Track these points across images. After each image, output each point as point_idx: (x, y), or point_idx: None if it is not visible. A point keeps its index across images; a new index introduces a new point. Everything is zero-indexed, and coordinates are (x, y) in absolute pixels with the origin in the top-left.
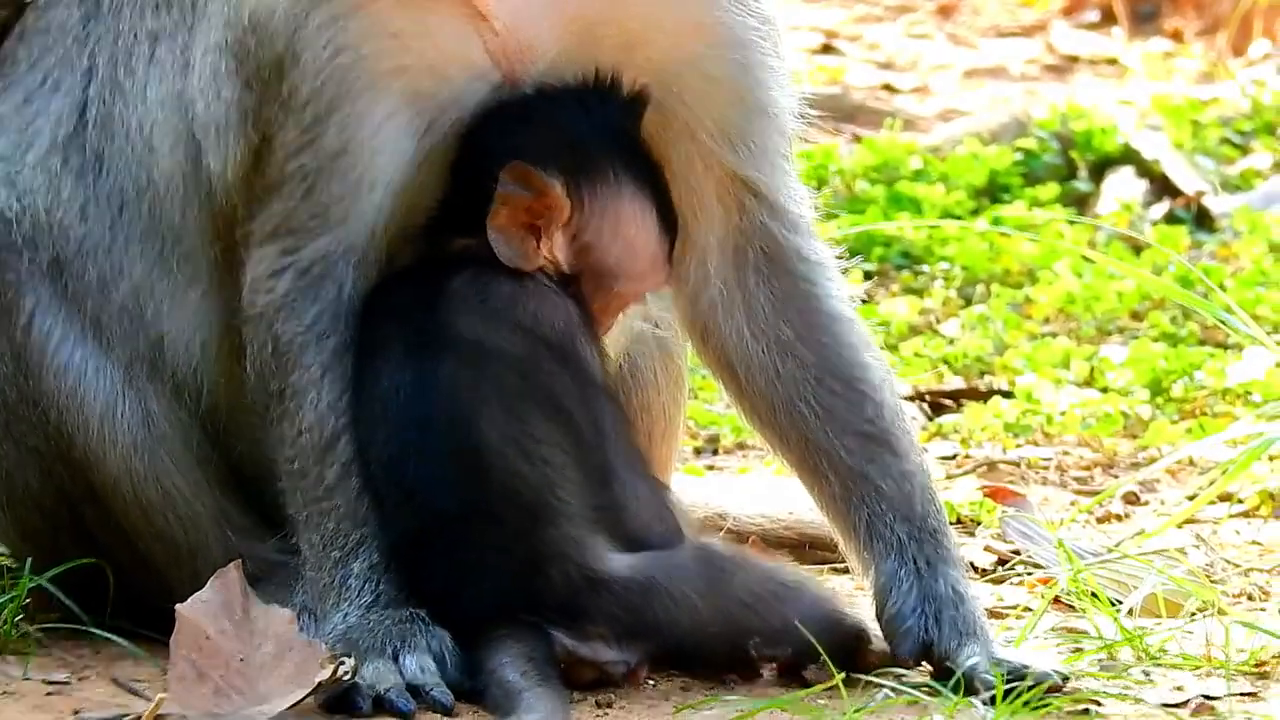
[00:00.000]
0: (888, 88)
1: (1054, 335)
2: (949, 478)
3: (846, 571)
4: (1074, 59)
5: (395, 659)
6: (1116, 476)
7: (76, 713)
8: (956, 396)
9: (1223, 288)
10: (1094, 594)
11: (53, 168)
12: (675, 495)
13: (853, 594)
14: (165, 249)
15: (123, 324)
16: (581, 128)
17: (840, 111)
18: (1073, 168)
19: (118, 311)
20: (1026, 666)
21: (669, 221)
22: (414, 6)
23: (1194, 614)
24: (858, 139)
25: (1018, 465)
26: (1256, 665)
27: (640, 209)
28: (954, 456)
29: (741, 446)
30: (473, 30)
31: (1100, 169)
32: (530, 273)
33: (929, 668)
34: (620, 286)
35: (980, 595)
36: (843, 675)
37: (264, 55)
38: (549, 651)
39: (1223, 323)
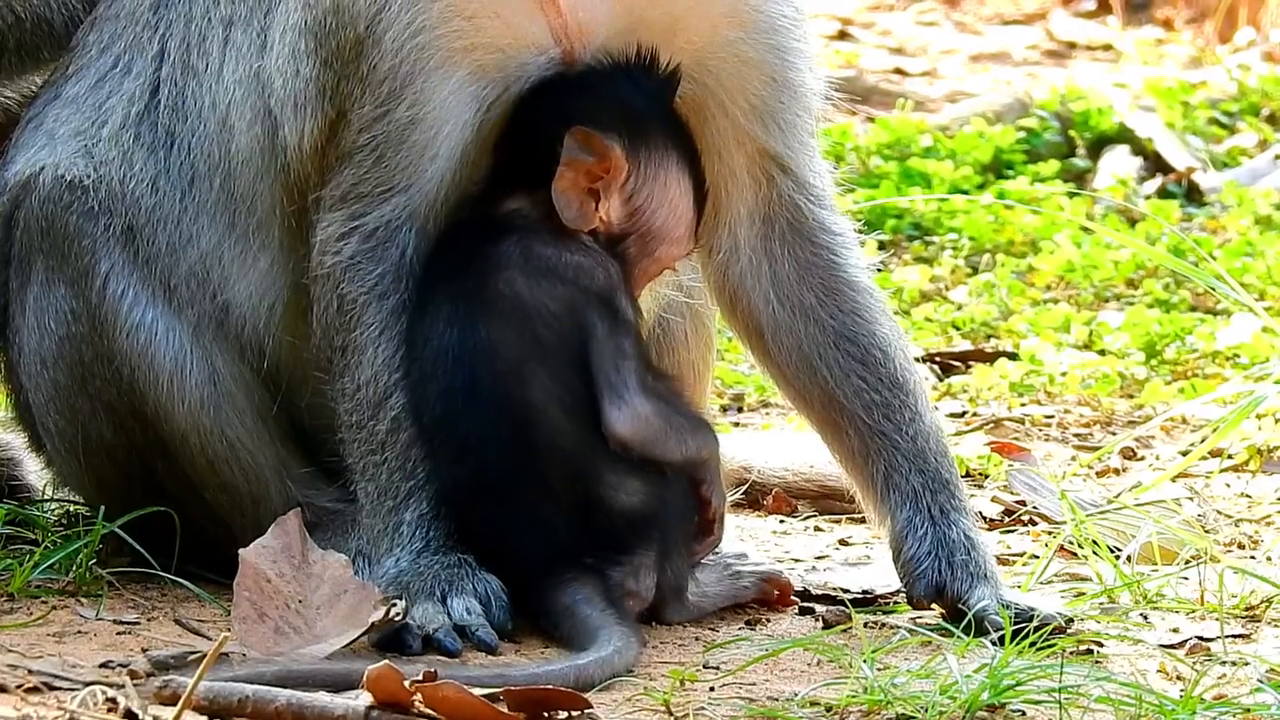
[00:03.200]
0: (899, 71)
1: (1055, 301)
2: (958, 434)
3: (863, 521)
4: (1072, 45)
5: (444, 601)
6: (1114, 433)
7: (145, 651)
8: (965, 358)
9: (1212, 257)
10: (1095, 542)
11: (125, 142)
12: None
13: (869, 542)
14: (238, 219)
15: (190, 287)
16: (632, 97)
17: (855, 93)
18: (1072, 146)
19: (186, 276)
20: (1033, 609)
21: (702, 192)
22: None
23: (1188, 561)
24: (872, 119)
25: (1022, 422)
26: (1247, 609)
27: (683, 176)
28: (963, 414)
29: (765, 405)
30: (539, 9)
31: (1097, 147)
32: (574, 235)
33: (941, 610)
34: (661, 250)
35: (989, 542)
36: (861, 617)
37: (345, 35)
38: (609, 590)
39: (1212, 290)
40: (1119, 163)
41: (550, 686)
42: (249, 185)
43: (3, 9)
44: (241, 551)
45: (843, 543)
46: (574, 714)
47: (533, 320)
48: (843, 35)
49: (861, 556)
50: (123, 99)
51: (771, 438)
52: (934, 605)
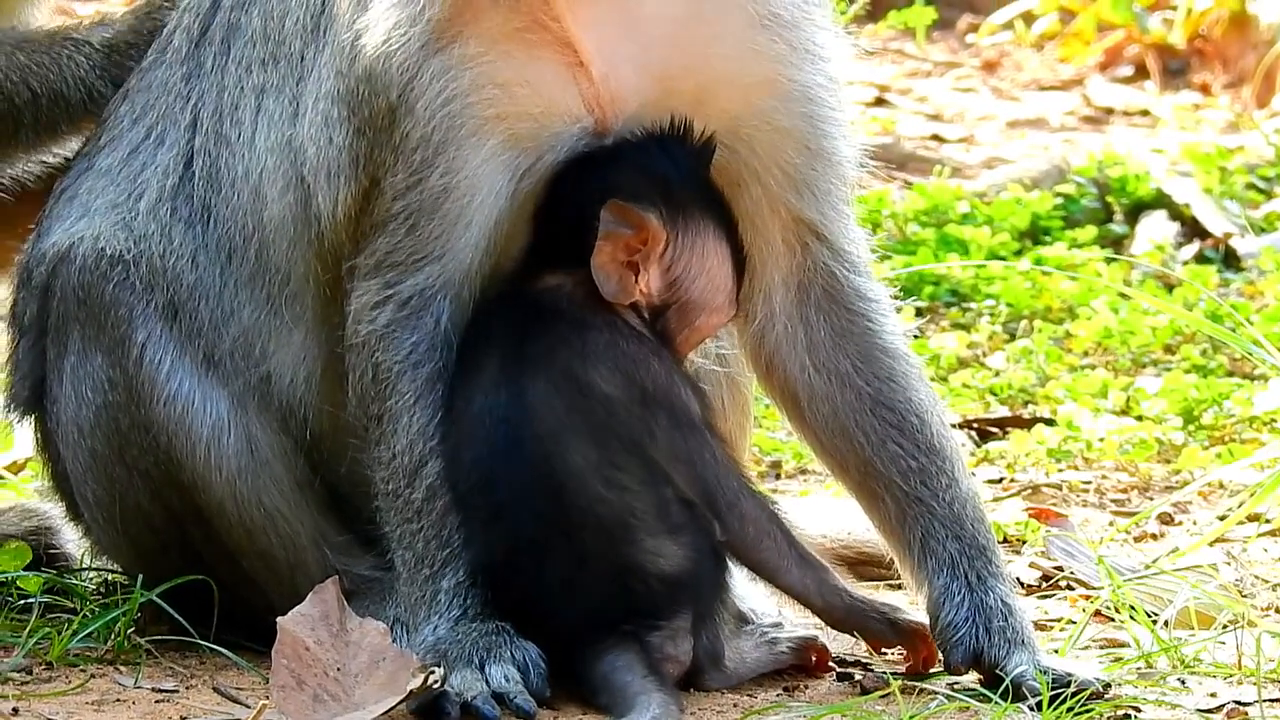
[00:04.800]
0: (936, 138)
1: (1092, 367)
2: (996, 500)
3: (900, 587)
4: (1109, 111)
5: (481, 669)
6: (1152, 499)
7: (184, 719)
8: (1002, 424)
9: (1249, 322)
10: (1132, 607)
11: (163, 216)
12: (786, 513)
13: (907, 609)
14: (273, 290)
15: (234, 360)
16: (667, 168)
17: (892, 160)
18: (1109, 211)
19: (229, 350)
20: (1070, 674)
21: (740, 259)
22: (520, 58)
23: (1226, 626)
24: (909, 185)
25: (1060, 488)
26: None
27: (720, 245)
28: (1000, 480)
29: (802, 471)
30: (571, 78)
31: (1134, 212)
32: (623, 316)
33: (979, 675)
34: (701, 320)
35: (1027, 608)
36: (899, 682)
37: (377, 103)
38: (648, 656)
39: (1250, 355)
40: (1156, 228)
41: None
42: (283, 255)
43: (19, 85)
44: (280, 619)
45: None
46: None
47: (584, 395)
48: (880, 102)
49: None
50: (158, 171)
51: (809, 504)
52: (972, 671)
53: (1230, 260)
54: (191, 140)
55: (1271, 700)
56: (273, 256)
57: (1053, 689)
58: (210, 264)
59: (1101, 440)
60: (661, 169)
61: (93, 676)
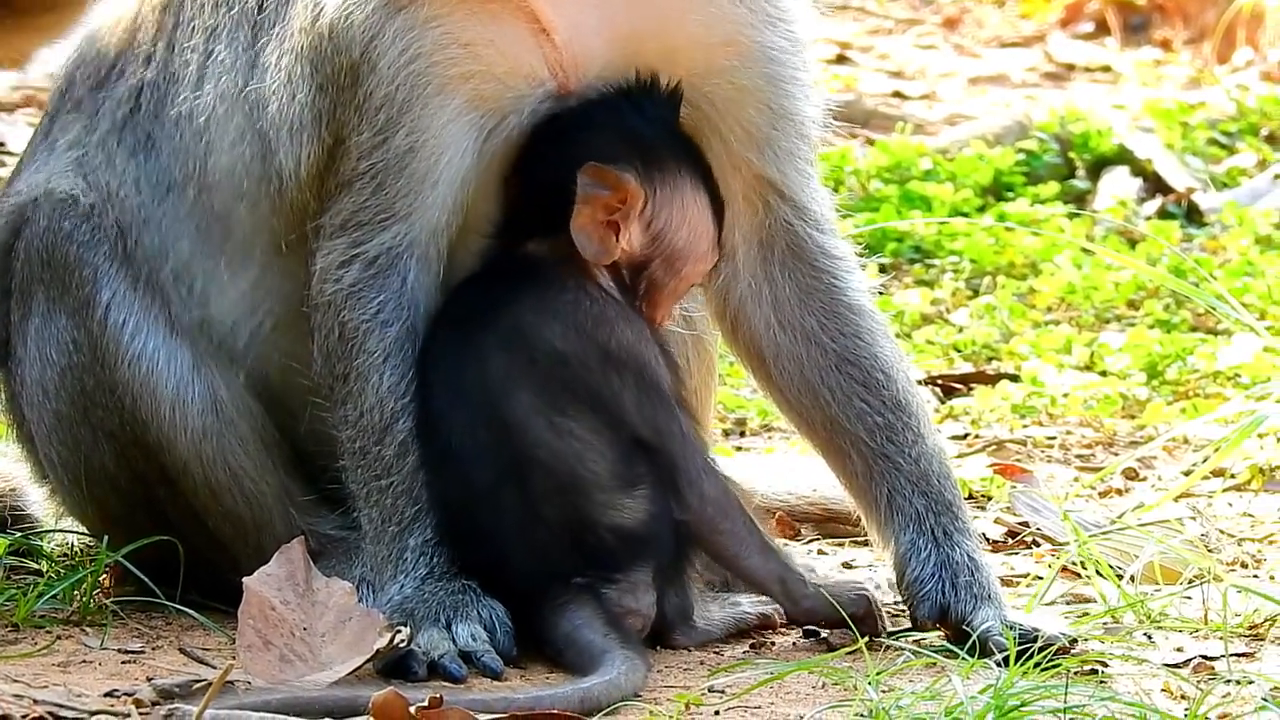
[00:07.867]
0: (898, 95)
1: (1056, 323)
2: (961, 456)
3: (867, 544)
4: (1071, 67)
5: (448, 627)
6: (1116, 454)
7: (150, 679)
8: (966, 381)
9: (1213, 277)
10: (1098, 562)
11: (110, 145)
12: (749, 493)
13: (873, 564)
14: (215, 236)
15: (179, 293)
16: (638, 124)
17: (854, 117)
18: (1071, 167)
19: (171, 281)
20: (1037, 629)
21: (719, 204)
22: (483, 18)
23: (1192, 581)
24: (871, 142)
25: (1024, 444)
26: (1250, 628)
27: (699, 192)
28: (965, 436)
29: (767, 428)
30: (535, 42)
31: (1097, 168)
32: (596, 280)
33: (946, 631)
34: (687, 268)
35: (992, 564)
36: (865, 639)
37: (340, 61)
38: (606, 611)
39: (1213, 310)
40: (1119, 184)
41: (555, 710)
42: (227, 203)
43: None
44: (246, 580)
45: (846, 566)
46: None
47: (531, 347)
48: (841, 59)
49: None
50: (113, 103)
51: (774, 461)
52: (938, 627)
53: (1193, 215)
54: (143, 75)
55: (1237, 654)
56: (217, 206)
57: (1019, 644)
58: (151, 192)
59: (1066, 396)
60: (633, 125)
61: (59, 638)
